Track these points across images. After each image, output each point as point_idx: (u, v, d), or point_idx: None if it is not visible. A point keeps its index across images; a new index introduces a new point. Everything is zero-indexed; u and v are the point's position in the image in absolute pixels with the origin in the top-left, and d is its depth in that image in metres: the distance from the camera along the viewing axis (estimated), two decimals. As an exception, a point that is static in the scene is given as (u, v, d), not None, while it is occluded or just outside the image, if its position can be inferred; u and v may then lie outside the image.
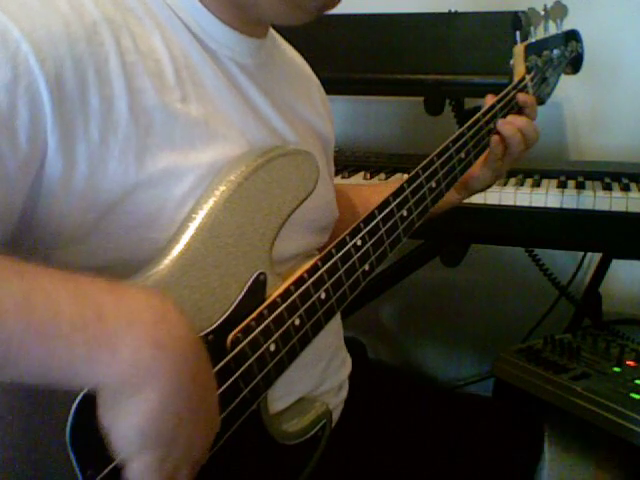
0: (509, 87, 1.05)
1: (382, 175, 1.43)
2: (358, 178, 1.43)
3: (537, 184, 1.34)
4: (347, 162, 1.54)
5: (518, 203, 1.30)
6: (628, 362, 1.34)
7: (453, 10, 1.61)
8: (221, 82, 0.74)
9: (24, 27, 0.59)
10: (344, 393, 0.93)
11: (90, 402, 0.53)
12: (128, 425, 0.52)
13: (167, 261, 0.62)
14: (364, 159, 1.61)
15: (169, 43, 0.70)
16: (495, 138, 1.00)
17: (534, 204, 1.30)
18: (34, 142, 0.59)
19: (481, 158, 1.01)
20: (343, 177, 1.42)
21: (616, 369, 1.32)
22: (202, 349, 0.57)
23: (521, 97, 1.05)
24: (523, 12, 1.09)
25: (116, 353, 0.51)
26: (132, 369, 0.51)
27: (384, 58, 1.59)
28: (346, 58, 1.61)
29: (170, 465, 0.54)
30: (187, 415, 0.54)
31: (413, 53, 1.58)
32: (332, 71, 1.54)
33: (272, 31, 0.88)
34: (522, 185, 1.34)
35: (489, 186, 1.07)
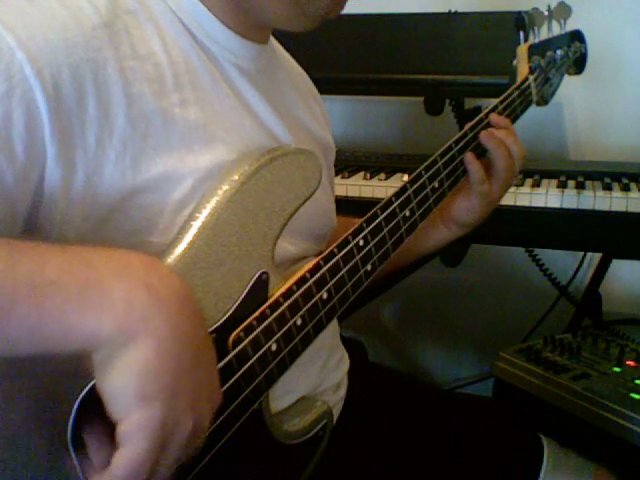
0: (512, 87, 1.05)
1: (382, 175, 1.42)
2: (358, 178, 1.43)
3: (537, 184, 1.34)
4: (347, 162, 1.54)
5: (518, 203, 1.31)
6: (628, 362, 1.34)
7: (453, 10, 1.61)
8: (221, 86, 0.74)
9: (20, 36, 0.59)
10: (342, 391, 0.93)
11: (92, 400, 0.52)
12: (124, 377, 0.50)
13: (170, 260, 0.62)
14: (364, 159, 1.61)
15: (169, 47, 0.70)
16: (469, 156, 0.94)
17: (534, 204, 1.30)
18: (31, 152, 0.59)
19: (463, 186, 0.95)
20: (343, 177, 1.42)
21: (616, 369, 1.31)
22: (195, 303, 0.55)
23: (493, 117, 0.98)
24: (526, 12, 1.09)
25: (108, 296, 0.50)
26: (126, 313, 0.50)
27: (384, 58, 1.60)
28: (346, 58, 1.61)
29: (168, 423, 0.51)
30: (187, 364, 0.52)
31: (413, 53, 1.58)
32: (332, 71, 1.55)
33: (272, 39, 0.88)
34: (522, 185, 1.34)
35: (482, 217, 0.98)
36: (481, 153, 0.95)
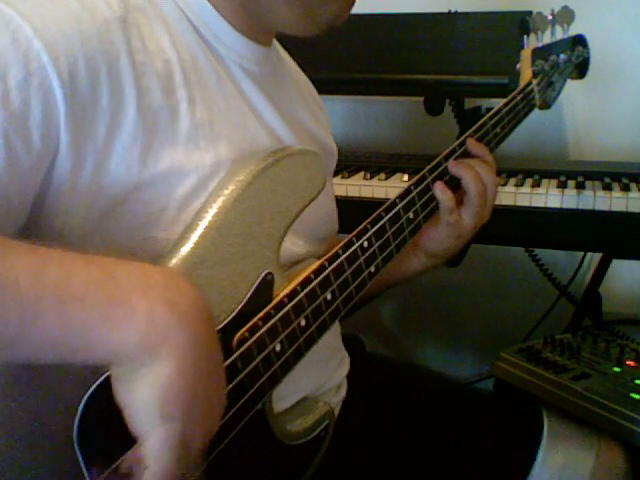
0: (515, 91, 1.05)
1: (382, 175, 1.42)
2: (358, 178, 1.43)
3: (537, 184, 1.34)
4: (347, 162, 1.53)
5: (518, 203, 1.31)
6: (628, 362, 1.34)
7: (453, 10, 1.61)
8: (226, 86, 0.75)
9: (36, 25, 0.60)
10: (343, 393, 0.93)
11: (99, 399, 0.53)
12: (146, 395, 0.50)
13: (176, 259, 0.62)
14: (364, 159, 1.61)
15: (177, 44, 0.71)
16: (439, 185, 0.89)
17: (534, 204, 1.30)
18: (47, 140, 0.60)
19: (433, 217, 0.91)
20: (343, 177, 1.42)
21: (616, 369, 1.31)
22: (210, 313, 0.56)
23: (471, 144, 0.94)
24: (530, 12, 1.09)
25: (131, 313, 0.50)
26: (148, 329, 0.51)
27: (384, 58, 1.60)
28: (346, 58, 1.61)
29: (187, 435, 0.52)
30: (204, 381, 0.53)
31: (413, 53, 1.58)
32: (332, 71, 1.55)
33: (275, 42, 0.88)
34: (522, 185, 1.34)
35: (452, 249, 0.96)
36: (456, 186, 0.91)
